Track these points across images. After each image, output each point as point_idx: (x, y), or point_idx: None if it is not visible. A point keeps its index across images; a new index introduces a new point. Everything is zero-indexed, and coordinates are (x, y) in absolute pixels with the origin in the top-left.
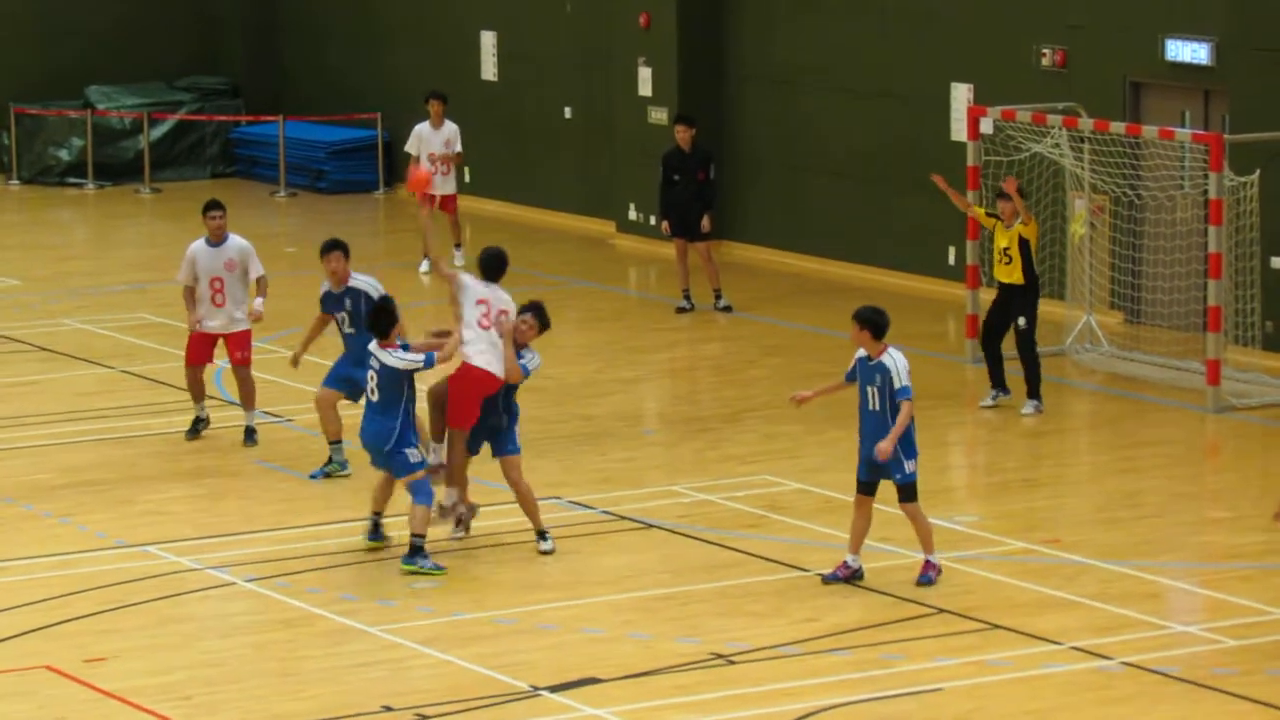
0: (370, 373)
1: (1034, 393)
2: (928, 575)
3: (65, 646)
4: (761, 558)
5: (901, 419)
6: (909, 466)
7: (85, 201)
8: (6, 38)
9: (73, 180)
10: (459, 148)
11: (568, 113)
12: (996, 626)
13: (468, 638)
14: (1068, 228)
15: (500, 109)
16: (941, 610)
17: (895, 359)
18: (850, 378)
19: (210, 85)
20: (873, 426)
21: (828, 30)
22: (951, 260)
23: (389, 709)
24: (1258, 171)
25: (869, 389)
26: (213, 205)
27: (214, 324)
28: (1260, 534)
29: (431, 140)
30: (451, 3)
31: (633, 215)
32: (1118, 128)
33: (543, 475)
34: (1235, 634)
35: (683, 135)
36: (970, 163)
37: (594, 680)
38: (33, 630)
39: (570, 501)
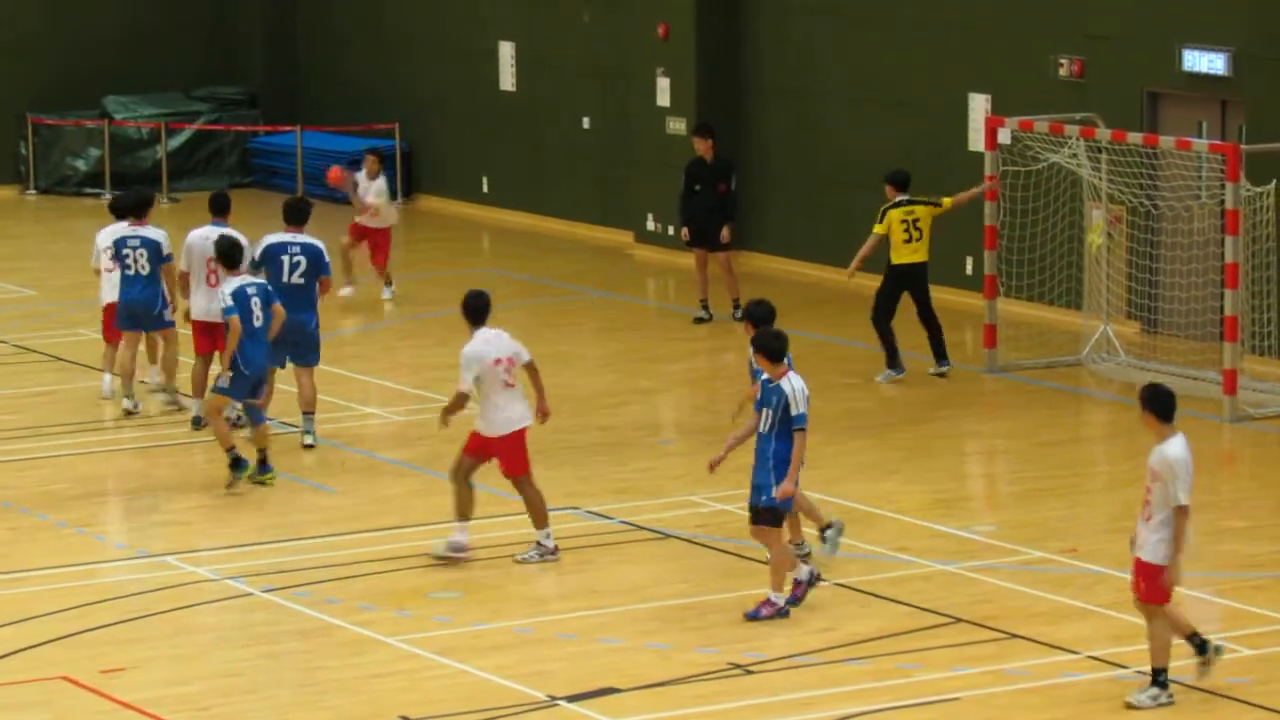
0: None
1: (945, 353)
2: (758, 611)
3: (83, 657)
4: None
5: (796, 452)
6: (775, 490)
7: (102, 212)
8: (24, 48)
9: (90, 190)
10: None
11: (586, 123)
12: (1014, 636)
13: (486, 648)
14: (1085, 238)
15: (518, 119)
16: (959, 620)
17: (794, 384)
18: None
19: (228, 95)
20: (760, 449)
21: (845, 40)
22: (969, 270)
23: (407, 719)
24: (1274, 181)
25: (765, 410)
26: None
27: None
28: (1277, 543)
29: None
30: (470, 13)
31: (651, 225)
32: (1135, 138)
33: (561, 485)
34: (1251, 643)
35: (701, 146)
36: (988, 172)
37: (612, 690)
38: (50, 640)
39: (588, 512)
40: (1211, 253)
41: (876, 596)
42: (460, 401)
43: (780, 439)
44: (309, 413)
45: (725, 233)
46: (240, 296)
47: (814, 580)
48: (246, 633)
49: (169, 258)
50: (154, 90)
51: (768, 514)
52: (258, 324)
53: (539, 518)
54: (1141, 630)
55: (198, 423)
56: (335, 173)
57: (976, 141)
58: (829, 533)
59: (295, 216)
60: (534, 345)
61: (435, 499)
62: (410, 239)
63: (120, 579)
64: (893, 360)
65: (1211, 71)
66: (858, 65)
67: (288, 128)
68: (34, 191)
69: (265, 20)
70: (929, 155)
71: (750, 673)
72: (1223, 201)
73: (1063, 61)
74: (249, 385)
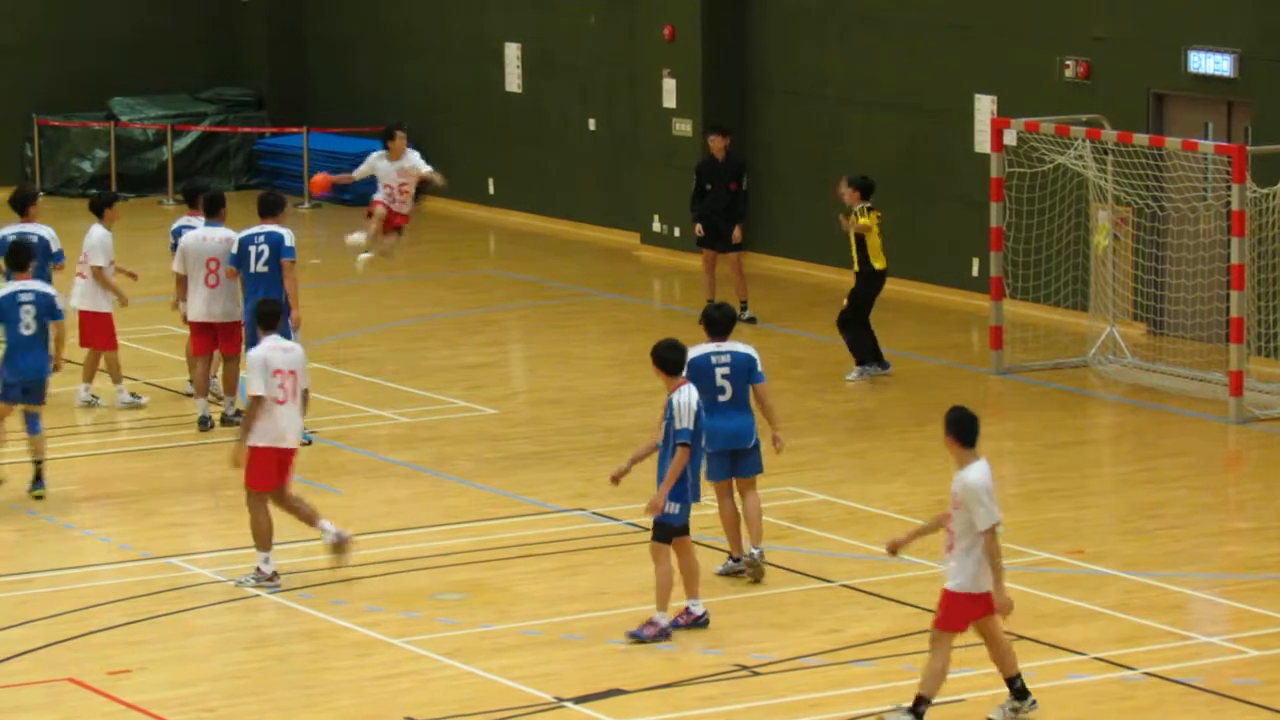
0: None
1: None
2: (640, 631)
3: (89, 659)
4: (785, 569)
5: (674, 466)
6: (669, 507)
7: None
8: (29, 49)
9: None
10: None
11: (592, 124)
12: (1020, 637)
13: (492, 649)
14: (1091, 239)
15: (524, 121)
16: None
17: (681, 398)
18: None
19: (234, 97)
20: (661, 461)
21: (851, 42)
22: (975, 272)
23: None
24: None
25: (662, 424)
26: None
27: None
28: None
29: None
30: (475, 15)
31: (657, 227)
32: (1141, 139)
33: (567, 487)
34: (1258, 644)
35: (717, 145)
36: (994, 174)
37: (619, 692)
38: (56, 642)
39: (594, 513)
40: (1217, 254)
41: (882, 598)
42: (253, 406)
43: (673, 453)
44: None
45: (736, 233)
46: (9, 303)
47: (702, 622)
48: (252, 634)
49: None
50: (160, 92)
51: (656, 529)
52: (26, 332)
53: (261, 540)
54: (1149, 631)
55: (205, 423)
56: (320, 180)
57: (982, 143)
58: (731, 563)
59: (267, 210)
60: (539, 346)
61: (442, 501)
62: (416, 240)
63: (126, 581)
64: (878, 356)
65: (1218, 73)
66: (863, 66)
67: (294, 130)
68: (40, 193)
69: (271, 22)
70: (935, 157)
71: (756, 674)
72: (1228, 203)
73: (1069, 63)
74: (16, 391)
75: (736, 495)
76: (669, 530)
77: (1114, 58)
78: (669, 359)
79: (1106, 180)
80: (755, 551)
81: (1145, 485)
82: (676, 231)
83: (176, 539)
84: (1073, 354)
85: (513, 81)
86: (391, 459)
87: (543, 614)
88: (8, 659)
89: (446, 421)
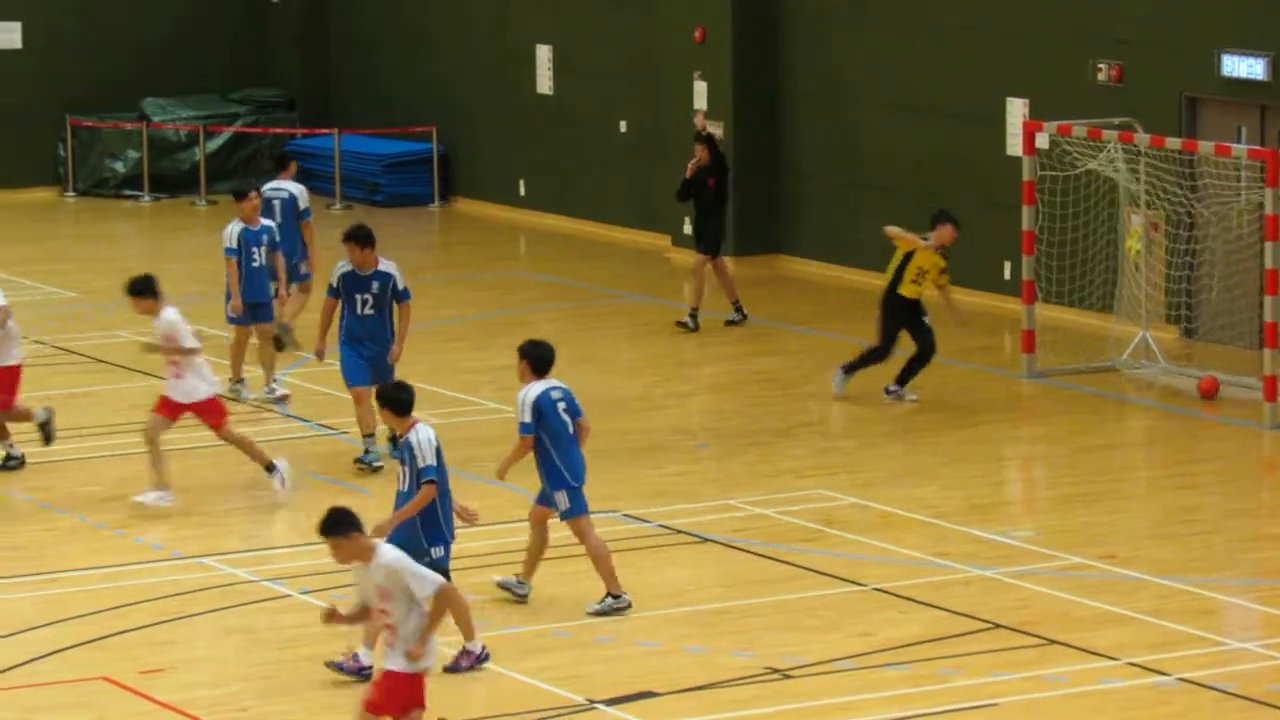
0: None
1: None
2: (456, 664)
3: (122, 658)
4: (817, 572)
5: (417, 501)
6: (435, 552)
7: (141, 214)
8: (62, 50)
9: (128, 192)
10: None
11: (623, 126)
12: (1053, 642)
13: (523, 651)
14: (1123, 244)
15: (555, 123)
16: (997, 625)
17: (420, 435)
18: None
19: (265, 98)
20: (401, 505)
21: (882, 44)
22: (1007, 275)
23: None
24: None
25: (402, 470)
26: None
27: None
28: None
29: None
30: (506, 16)
31: (687, 229)
32: (1174, 143)
33: (596, 489)
34: None
35: (700, 152)
36: (1026, 178)
37: (650, 694)
38: (89, 641)
39: (625, 515)
40: (1251, 258)
41: (914, 601)
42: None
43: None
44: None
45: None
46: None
47: (483, 658)
48: (284, 634)
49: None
50: (191, 93)
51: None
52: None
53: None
54: (1182, 636)
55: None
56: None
57: (1014, 146)
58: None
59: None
60: (568, 349)
61: (472, 502)
62: (447, 242)
63: (158, 580)
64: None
65: (1251, 76)
66: (895, 69)
67: (325, 131)
68: (73, 194)
69: (300, 23)
70: (966, 159)
71: (788, 677)
72: (1262, 206)
73: (1101, 66)
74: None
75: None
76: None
77: (1146, 61)
78: (400, 398)
79: (1139, 184)
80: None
81: (1178, 490)
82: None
83: (208, 539)
84: (1104, 357)
85: (543, 83)
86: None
87: (572, 616)
88: (40, 658)
89: (476, 423)
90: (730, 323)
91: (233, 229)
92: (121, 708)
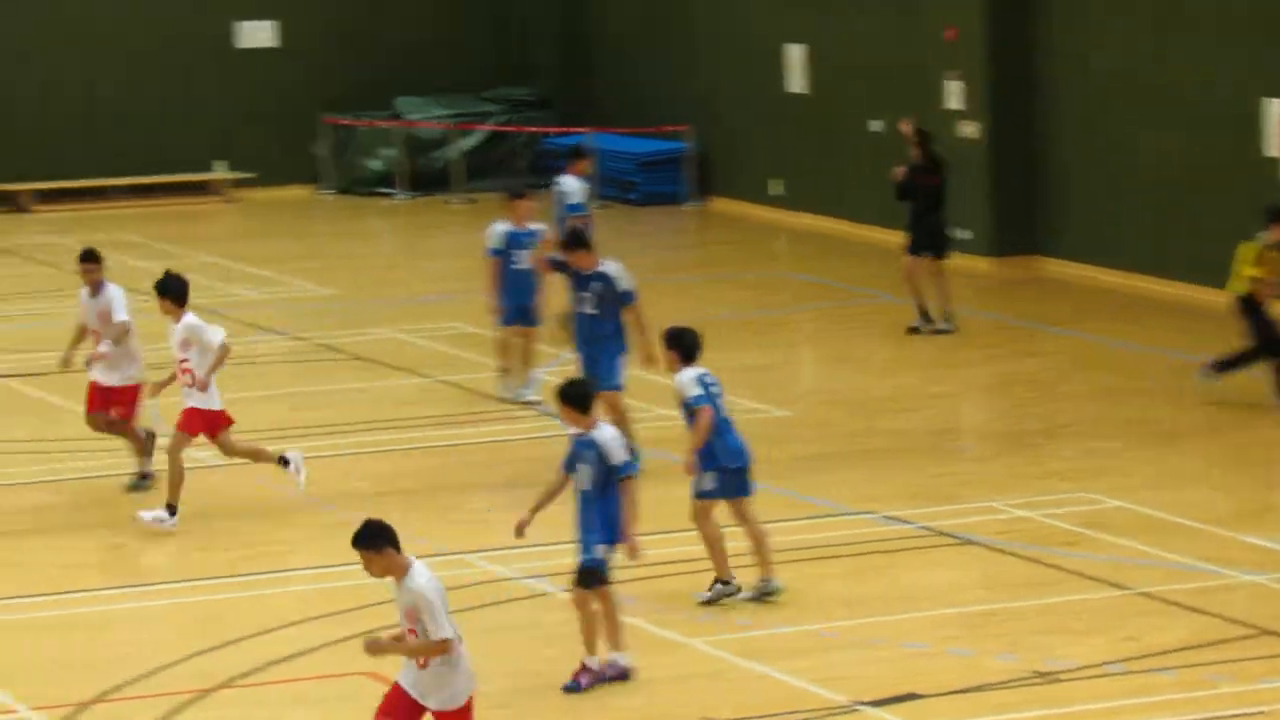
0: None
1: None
2: (576, 682)
3: None
4: (1082, 575)
5: (630, 498)
6: (598, 551)
7: (396, 212)
8: (317, 49)
9: (384, 190)
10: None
11: (875, 126)
12: None
13: (787, 651)
14: None
15: (807, 122)
16: (1266, 632)
17: (606, 434)
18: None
19: (518, 96)
20: (586, 504)
21: (1138, 41)
22: None
23: None
24: None
25: (580, 468)
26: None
27: None
28: None
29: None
30: (759, 16)
31: None
32: None
33: (855, 489)
34: None
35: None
36: None
37: (914, 696)
38: (354, 636)
39: (885, 516)
40: None
41: (1181, 607)
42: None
43: (608, 494)
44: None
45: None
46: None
47: (615, 677)
48: (545, 632)
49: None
50: (444, 92)
51: (583, 574)
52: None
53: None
54: None
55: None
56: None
57: (1271, 147)
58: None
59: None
60: (822, 348)
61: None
62: (703, 241)
63: None
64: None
65: None
66: (1151, 66)
67: (580, 129)
68: (329, 192)
69: (557, 21)
70: (1224, 159)
71: (1054, 681)
72: None
73: None
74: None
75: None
76: (594, 576)
77: None
78: (582, 394)
79: None
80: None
81: None
82: (960, 233)
83: (470, 535)
84: None
85: (797, 82)
86: (681, 459)
87: (835, 616)
88: (305, 653)
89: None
90: (913, 330)
91: (498, 229)
92: None
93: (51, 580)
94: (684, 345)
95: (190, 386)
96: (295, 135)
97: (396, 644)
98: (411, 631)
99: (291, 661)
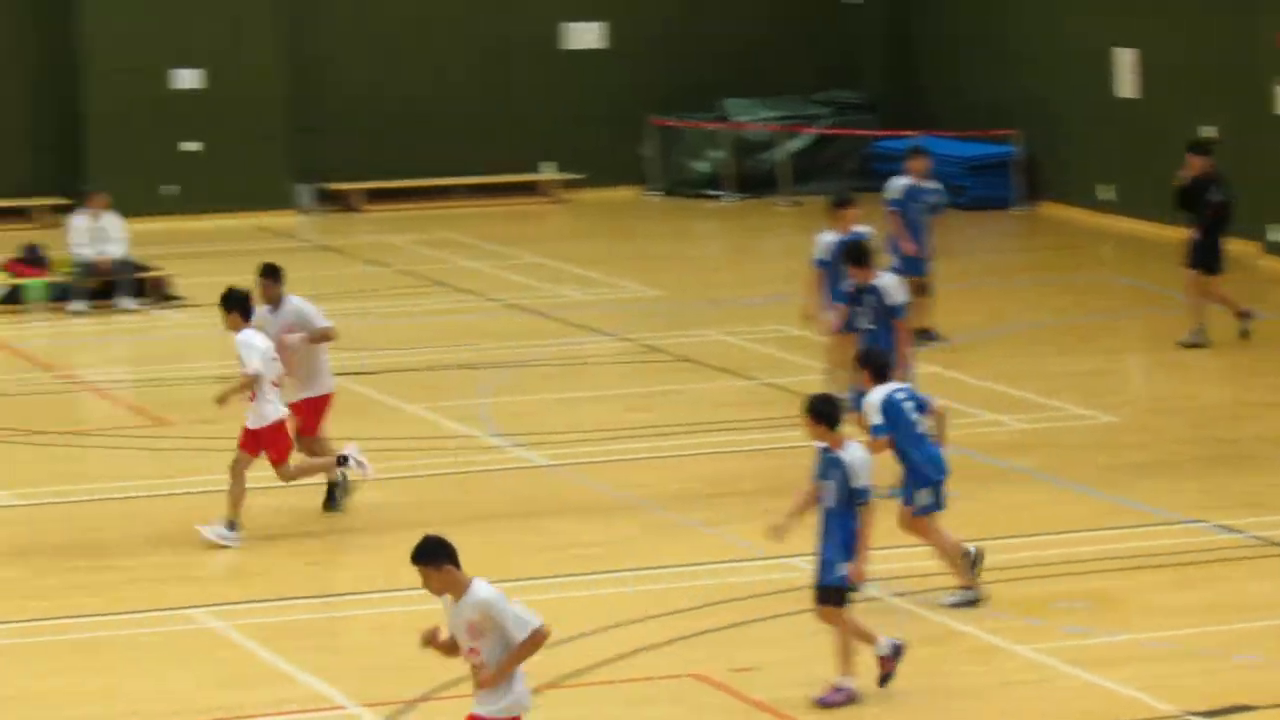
0: None
1: None
2: (828, 698)
3: (711, 655)
4: None
5: (866, 524)
6: (841, 569)
7: (723, 213)
8: (644, 50)
9: (710, 192)
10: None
11: (1209, 131)
12: None
13: (1115, 660)
14: None
15: (1137, 126)
16: None
17: (854, 453)
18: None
19: (846, 100)
20: (830, 521)
21: None
22: None
23: None
24: None
25: (823, 484)
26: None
27: None
28: None
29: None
30: (1087, 19)
31: (1276, 236)
32: None
33: (1185, 498)
34: None
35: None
36: None
37: (1246, 708)
38: (680, 638)
39: (1217, 526)
40: None
41: None
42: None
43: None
44: None
45: None
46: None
47: (898, 652)
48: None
49: None
50: (772, 94)
51: (827, 592)
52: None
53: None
54: None
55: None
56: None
57: None
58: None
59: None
60: (1155, 355)
61: (1061, 508)
62: (1031, 245)
63: (748, 579)
64: None
65: None
66: None
67: (907, 133)
68: (657, 193)
69: (885, 25)
70: None
71: None
72: None
73: None
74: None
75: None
76: (840, 595)
77: None
78: (830, 413)
79: None
80: None
81: None
82: None
83: (796, 539)
84: None
85: (1126, 87)
86: (1009, 464)
87: (1166, 626)
88: (634, 653)
89: (1062, 428)
90: (1189, 346)
91: (825, 239)
92: (715, 704)
93: (385, 577)
94: (875, 364)
95: (251, 402)
96: (623, 136)
97: (502, 663)
98: (473, 650)
99: (622, 661)
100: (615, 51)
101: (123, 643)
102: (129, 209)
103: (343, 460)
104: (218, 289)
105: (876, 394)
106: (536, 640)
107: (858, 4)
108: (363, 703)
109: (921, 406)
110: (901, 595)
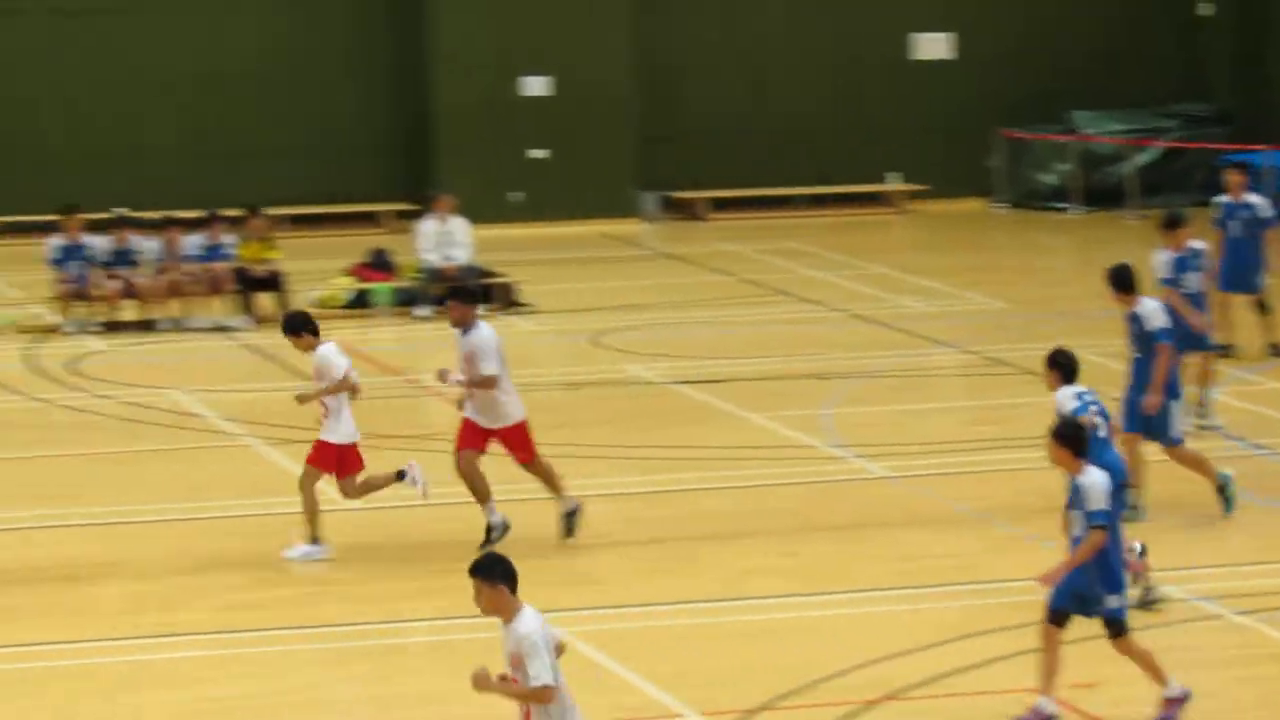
0: None
1: None
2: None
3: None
4: None
5: (1084, 549)
6: (1112, 601)
7: (1069, 226)
8: (992, 61)
9: (1057, 205)
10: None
11: None
12: None
13: None
14: None
15: None
16: None
17: (1091, 478)
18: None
19: (1196, 112)
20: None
21: None
22: None
23: None
24: None
25: (1071, 513)
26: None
27: None
28: None
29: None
30: None
31: None
32: None
33: None
34: None
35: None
36: None
37: None
38: (1023, 652)
39: None
40: None
41: None
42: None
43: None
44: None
45: None
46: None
47: (1186, 696)
48: (1217, 655)
49: None
50: (1122, 106)
51: (1111, 624)
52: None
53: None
54: None
55: None
56: None
57: None
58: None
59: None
60: None
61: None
62: None
63: None
64: None
65: None
66: None
67: (1259, 147)
68: (1004, 205)
69: (1235, 37)
70: None
71: None
72: None
73: None
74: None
75: None
76: (1122, 624)
77: None
78: (1077, 436)
79: None
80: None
81: None
82: None
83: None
84: None
85: None
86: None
87: None
88: (984, 664)
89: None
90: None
91: (1163, 258)
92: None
93: (725, 585)
94: (1063, 366)
95: (325, 418)
96: (969, 148)
97: (501, 684)
98: (513, 679)
99: (973, 672)
100: (963, 62)
101: (458, 647)
102: (475, 215)
103: (400, 476)
104: (564, 296)
105: (1066, 391)
106: (539, 696)
107: (1209, 16)
108: (701, 711)
109: (1103, 414)
110: (1246, 614)
